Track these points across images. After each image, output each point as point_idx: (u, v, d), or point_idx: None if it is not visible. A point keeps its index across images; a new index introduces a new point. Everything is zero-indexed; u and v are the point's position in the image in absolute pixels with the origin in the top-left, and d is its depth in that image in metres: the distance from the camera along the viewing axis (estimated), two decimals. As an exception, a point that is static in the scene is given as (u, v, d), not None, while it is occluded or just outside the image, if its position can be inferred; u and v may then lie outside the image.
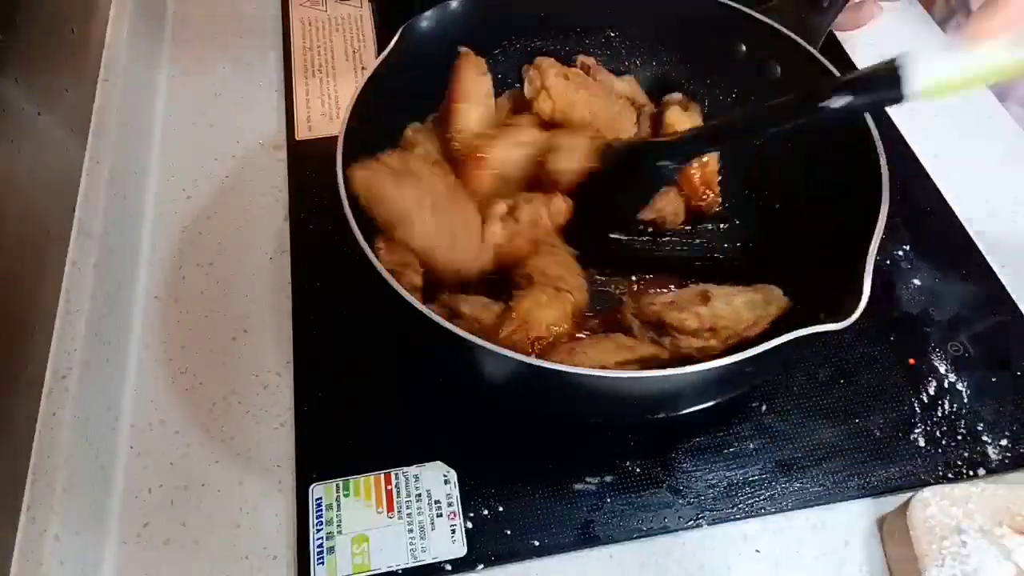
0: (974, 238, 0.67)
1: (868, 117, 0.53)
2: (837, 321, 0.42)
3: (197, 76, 0.78)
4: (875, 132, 0.52)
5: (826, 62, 0.57)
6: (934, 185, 0.70)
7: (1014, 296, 0.63)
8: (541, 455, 0.54)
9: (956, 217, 0.68)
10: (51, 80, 0.61)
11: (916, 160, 0.72)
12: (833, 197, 0.54)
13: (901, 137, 0.74)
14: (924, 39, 0.84)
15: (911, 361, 0.59)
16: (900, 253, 0.66)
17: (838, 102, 0.45)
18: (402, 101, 0.60)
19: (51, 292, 0.54)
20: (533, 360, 0.43)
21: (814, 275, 0.53)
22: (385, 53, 0.56)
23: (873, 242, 0.46)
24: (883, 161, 0.51)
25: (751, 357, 0.42)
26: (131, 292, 0.62)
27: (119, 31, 0.73)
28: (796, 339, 0.42)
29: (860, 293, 0.43)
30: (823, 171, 0.57)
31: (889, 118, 0.75)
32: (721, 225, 0.64)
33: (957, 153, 0.73)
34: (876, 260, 0.64)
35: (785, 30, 0.60)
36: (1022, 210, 0.70)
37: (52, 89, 0.61)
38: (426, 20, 0.59)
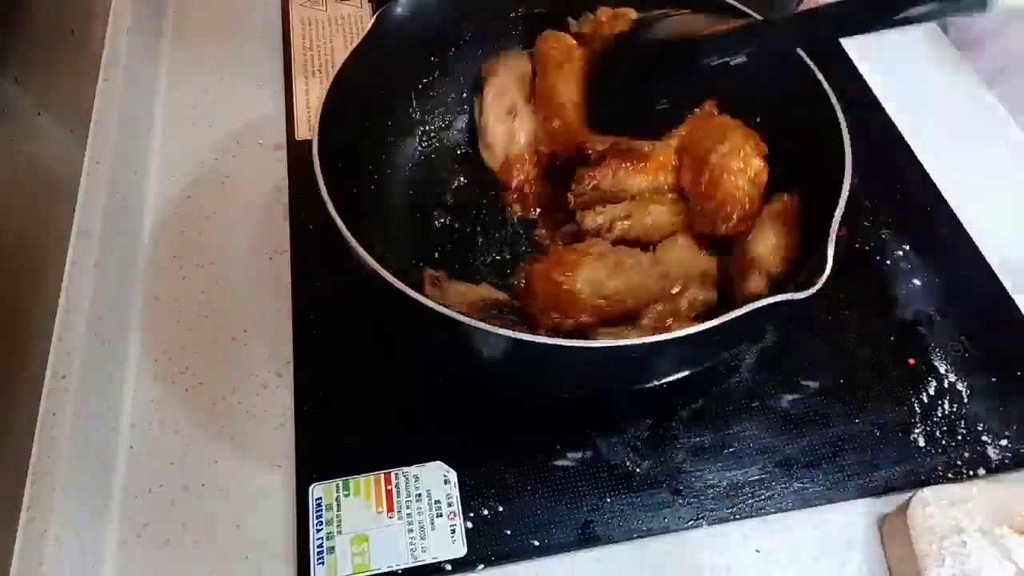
0: (974, 238, 0.67)
1: (829, 91, 0.53)
2: (800, 291, 0.43)
3: (197, 76, 0.78)
4: (837, 106, 0.53)
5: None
6: (934, 185, 0.70)
7: (1014, 296, 0.63)
8: (542, 455, 0.54)
9: (956, 217, 0.68)
10: (51, 80, 0.61)
11: (916, 160, 0.72)
12: (802, 175, 0.55)
13: (901, 137, 0.74)
14: (925, 36, 0.85)
15: (911, 361, 0.59)
16: (900, 253, 0.66)
17: (918, 10, 0.42)
18: (381, 84, 0.61)
19: (51, 292, 0.54)
20: (521, 335, 0.44)
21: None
22: (362, 38, 0.57)
23: (836, 215, 0.47)
24: (846, 137, 0.52)
25: (719, 326, 0.43)
26: (131, 292, 0.62)
27: (119, 31, 0.73)
28: (764, 309, 0.43)
29: (824, 265, 0.44)
30: (791, 150, 0.57)
31: (889, 118, 0.75)
32: None
33: (957, 153, 0.73)
34: (876, 260, 0.65)
35: (752, 12, 0.60)
36: (1022, 210, 0.70)
37: (52, 89, 0.61)
38: (400, 7, 0.60)
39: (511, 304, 0.57)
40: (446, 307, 0.44)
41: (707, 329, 0.43)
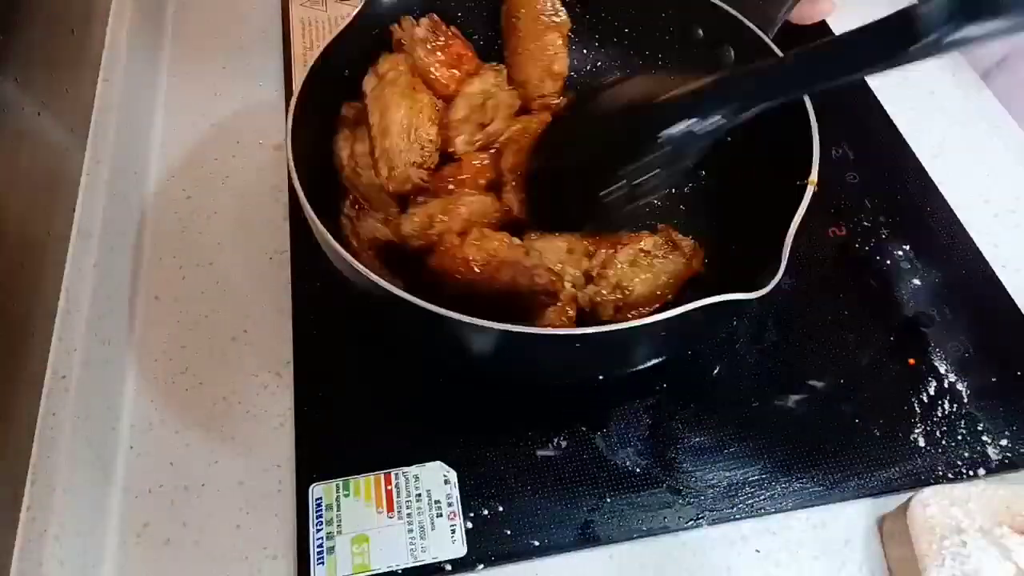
0: (974, 238, 0.67)
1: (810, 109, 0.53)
2: (753, 291, 0.43)
3: (197, 76, 0.78)
4: (810, 109, 0.53)
5: (777, 50, 0.57)
6: (934, 185, 0.70)
7: (1014, 296, 0.63)
8: (542, 455, 0.54)
9: (956, 217, 0.68)
10: (51, 80, 0.61)
11: (916, 160, 0.72)
12: (769, 173, 0.55)
13: (901, 137, 0.74)
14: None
15: (911, 361, 0.59)
16: (900, 253, 0.66)
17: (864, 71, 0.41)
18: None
19: (51, 292, 0.54)
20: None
21: (743, 250, 0.54)
22: (352, 17, 0.58)
23: (796, 217, 0.47)
24: (815, 137, 0.51)
25: (661, 321, 0.43)
26: (131, 292, 0.62)
27: (119, 31, 0.72)
28: (711, 307, 0.42)
29: (777, 267, 0.44)
30: (759, 150, 0.57)
31: (889, 118, 0.75)
32: (656, 203, 0.64)
33: (957, 153, 0.73)
34: (876, 260, 0.65)
35: (740, 16, 0.60)
36: (1022, 210, 0.70)
37: (52, 89, 0.61)
38: None
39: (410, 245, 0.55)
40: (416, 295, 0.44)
41: (651, 323, 0.43)
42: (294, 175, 0.50)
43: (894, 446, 0.55)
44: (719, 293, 0.43)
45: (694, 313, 0.43)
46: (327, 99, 0.59)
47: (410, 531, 0.50)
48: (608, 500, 0.52)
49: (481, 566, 0.50)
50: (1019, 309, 0.63)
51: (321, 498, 0.51)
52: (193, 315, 0.61)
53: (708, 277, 0.56)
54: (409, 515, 0.51)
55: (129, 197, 0.66)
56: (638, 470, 0.54)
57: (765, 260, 0.45)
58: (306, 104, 0.55)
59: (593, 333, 0.44)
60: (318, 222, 0.48)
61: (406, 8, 0.62)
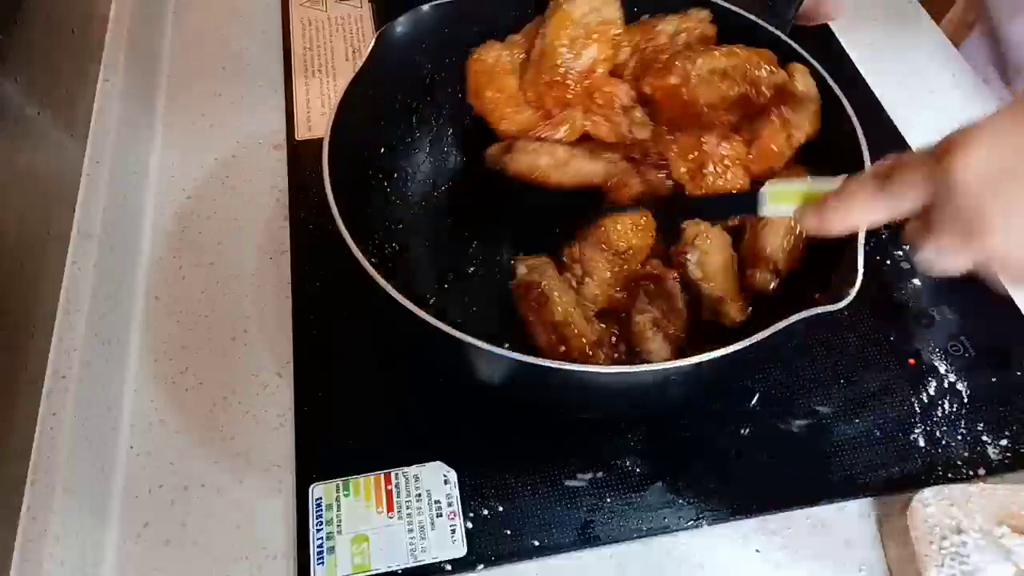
0: (974, 238, 0.66)
1: (847, 105, 0.54)
2: (834, 303, 0.43)
3: (197, 76, 0.78)
4: (855, 119, 0.53)
5: (797, 46, 0.57)
6: (934, 185, 0.70)
7: (1014, 296, 0.63)
8: (541, 455, 0.54)
9: (956, 217, 0.68)
10: (51, 80, 0.61)
11: (916, 160, 0.72)
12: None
13: (901, 138, 0.74)
14: (930, 52, 0.85)
15: (911, 361, 0.59)
16: (900, 253, 0.66)
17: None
18: (385, 103, 0.61)
19: (51, 292, 0.54)
20: (525, 358, 0.43)
21: (806, 260, 0.53)
22: (364, 59, 0.57)
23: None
24: (863, 144, 0.51)
25: (753, 344, 0.43)
26: (131, 292, 0.62)
27: (119, 31, 0.73)
28: (796, 323, 0.42)
29: (855, 274, 0.44)
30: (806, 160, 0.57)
31: (890, 119, 0.75)
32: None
33: (957, 153, 0.73)
34: (876, 260, 0.65)
35: (756, 19, 0.60)
36: (1022, 210, 0.70)
37: (52, 89, 0.61)
38: (400, 25, 0.59)
39: None
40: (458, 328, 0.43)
41: (744, 347, 0.43)
42: (338, 220, 0.48)
43: (894, 446, 0.55)
44: (794, 308, 0.42)
45: (783, 331, 0.42)
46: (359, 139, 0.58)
47: (410, 531, 0.50)
48: (608, 500, 0.52)
49: (481, 566, 0.50)
50: (1019, 309, 0.63)
51: (321, 498, 0.51)
52: (193, 315, 0.61)
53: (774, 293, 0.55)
54: (409, 515, 0.51)
55: (129, 197, 0.66)
56: (638, 470, 0.53)
57: (833, 269, 0.45)
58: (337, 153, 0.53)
59: (693, 364, 0.43)
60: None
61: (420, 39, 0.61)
